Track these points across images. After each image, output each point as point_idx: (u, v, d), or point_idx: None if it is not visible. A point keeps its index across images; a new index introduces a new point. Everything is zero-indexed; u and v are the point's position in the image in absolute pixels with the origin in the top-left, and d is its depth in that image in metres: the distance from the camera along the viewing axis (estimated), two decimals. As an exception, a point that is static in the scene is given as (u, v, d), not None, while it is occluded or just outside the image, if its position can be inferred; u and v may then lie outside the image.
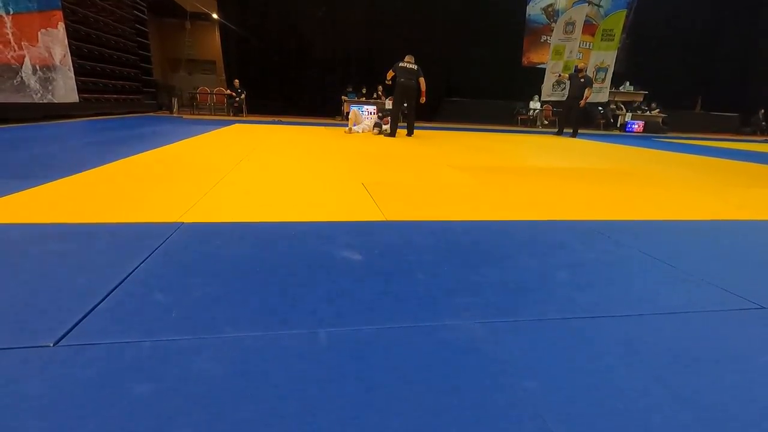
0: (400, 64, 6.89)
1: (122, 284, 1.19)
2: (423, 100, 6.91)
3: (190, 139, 5.21)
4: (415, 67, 6.85)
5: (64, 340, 0.92)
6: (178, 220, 1.82)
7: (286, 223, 1.90)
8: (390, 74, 6.95)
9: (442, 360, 0.91)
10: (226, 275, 1.30)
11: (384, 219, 2.01)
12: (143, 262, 1.36)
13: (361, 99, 12.41)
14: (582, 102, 8.99)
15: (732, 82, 17.06)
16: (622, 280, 1.42)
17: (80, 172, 2.77)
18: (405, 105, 7.27)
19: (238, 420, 0.71)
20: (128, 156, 3.55)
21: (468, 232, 1.88)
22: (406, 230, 1.86)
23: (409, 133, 7.27)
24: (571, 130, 9.49)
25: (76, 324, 0.98)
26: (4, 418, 0.69)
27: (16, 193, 2.15)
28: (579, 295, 1.28)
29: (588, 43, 14.46)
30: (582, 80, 8.89)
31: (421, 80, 6.81)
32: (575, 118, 9.47)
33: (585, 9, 13.29)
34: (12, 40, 6.24)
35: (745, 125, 15.88)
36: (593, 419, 0.76)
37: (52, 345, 0.90)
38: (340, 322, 1.05)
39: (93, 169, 2.89)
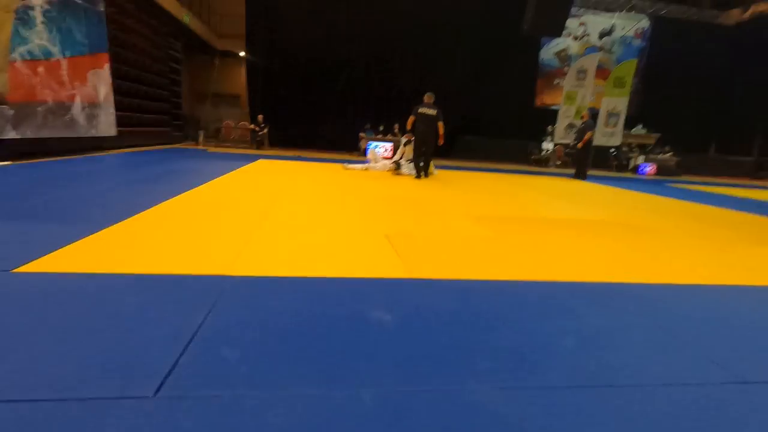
0: (420, 110, 7.13)
1: (194, 339, 1.42)
2: (441, 142, 7.22)
3: (220, 178, 5.56)
4: (434, 112, 7.09)
5: (161, 391, 1.13)
6: (227, 273, 2.07)
7: (318, 278, 2.12)
8: (411, 120, 7.25)
9: (467, 427, 1.10)
10: (275, 333, 1.51)
11: (408, 277, 2.22)
12: (208, 315, 1.58)
13: (378, 136, 12.88)
14: (579, 144, 9.51)
15: (746, 126, 17.19)
16: (623, 348, 1.60)
17: (124, 219, 3.06)
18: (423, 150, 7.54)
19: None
20: (166, 199, 3.85)
21: (485, 293, 2.07)
22: (428, 290, 2.06)
23: (426, 174, 7.57)
24: (582, 173, 9.78)
25: (167, 375, 1.20)
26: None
27: (73, 244, 2.43)
28: (584, 363, 1.46)
29: (601, 87, 14.84)
30: (583, 125, 9.45)
31: (440, 125, 7.10)
32: (580, 160, 9.85)
33: (597, 57, 13.78)
34: (66, 81, 6.82)
35: (761, 169, 15.88)
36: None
37: (151, 396, 1.12)
38: (370, 383, 1.25)
39: (136, 216, 3.19)
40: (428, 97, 7.20)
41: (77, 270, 1.98)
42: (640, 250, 3.21)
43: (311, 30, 13.46)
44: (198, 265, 2.15)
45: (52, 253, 2.15)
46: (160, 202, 3.63)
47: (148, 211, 3.30)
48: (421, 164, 7.38)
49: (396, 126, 13.04)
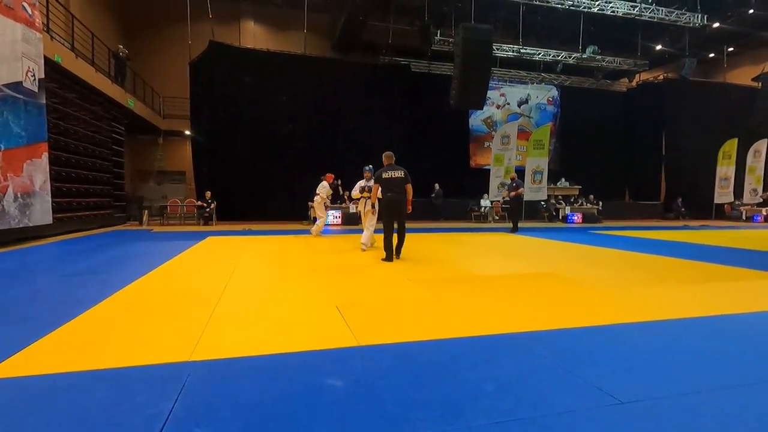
0: (385, 175, 5.73)
1: (167, 422, 1.59)
2: (409, 209, 5.83)
3: (168, 262, 5.60)
4: (401, 173, 5.76)
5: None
6: (190, 359, 2.24)
7: (278, 355, 2.34)
8: (376, 190, 5.93)
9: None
10: (242, 411, 1.72)
11: (357, 345, 2.50)
12: (176, 401, 1.76)
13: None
14: (514, 193, 11.05)
15: (651, 174, 19.83)
16: (533, 387, 1.96)
17: (76, 316, 3.11)
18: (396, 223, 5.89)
19: None
20: (111, 294, 3.89)
21: (422, 352, 2.39)
22: (375, 355, 2.35)
23: (398, 255, 5.86)
24: (515, 225, 11.15)
25: (145, 460, 1.37)
26: None
27: (30, 346, 2.48)
28: (501, 404, 1.79)
29: (524, 147, 16.64)
30: (515, 183, 11.13)
31: (408, 187, 5.78)
32: (515, 214, 11.43)
33: (516, 123, 15.68)
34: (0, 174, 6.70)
35: (668, 211, 18.07)
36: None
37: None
38: (332, 441, 1.50)
39: (89, 311, 3.24)
40: (389, 158, 5.92)
41: (40, 372, 2.07)
42: (557, 297, 3.72)
43: (253, 109, 14.20)
44: (160, 354, 2.30)
45: (9, 359, 2.22)
46: (110, 295, 3.67)
47: (99, 304, 3.35)
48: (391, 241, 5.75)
49: (346, 194, 13.60)
